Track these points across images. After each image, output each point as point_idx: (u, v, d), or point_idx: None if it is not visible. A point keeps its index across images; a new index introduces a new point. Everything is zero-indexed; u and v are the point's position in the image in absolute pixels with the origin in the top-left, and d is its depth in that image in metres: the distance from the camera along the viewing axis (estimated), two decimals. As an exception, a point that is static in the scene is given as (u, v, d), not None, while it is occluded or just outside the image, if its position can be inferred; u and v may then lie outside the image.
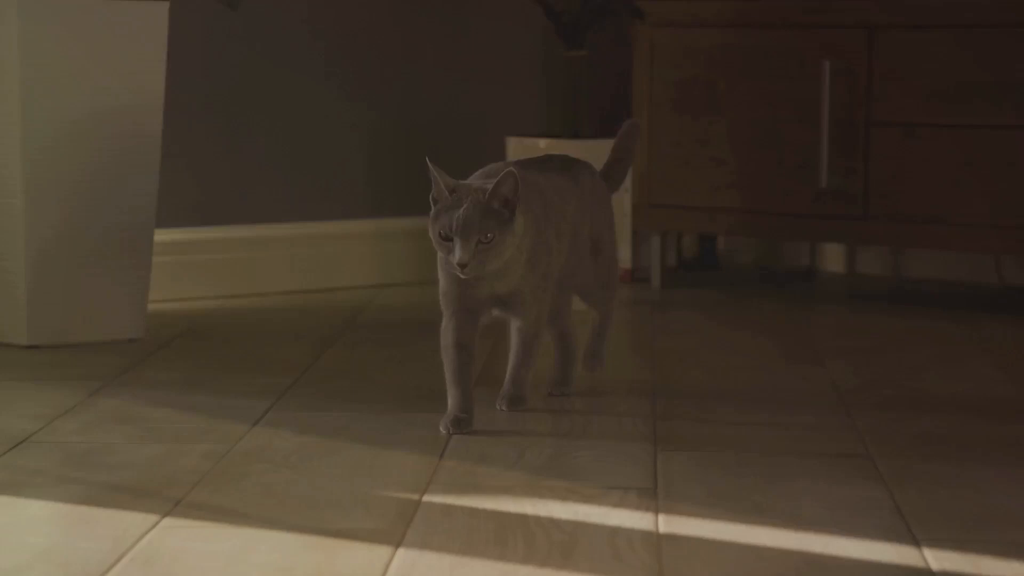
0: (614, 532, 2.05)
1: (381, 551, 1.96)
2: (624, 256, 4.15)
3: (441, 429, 2.52)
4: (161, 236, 3.72)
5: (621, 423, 2.62)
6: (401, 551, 1.97)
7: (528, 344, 2.61)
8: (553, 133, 3.93)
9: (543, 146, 3.71)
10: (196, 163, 3.80)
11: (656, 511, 2.13)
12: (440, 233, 2.44)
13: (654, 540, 2.02)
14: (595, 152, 3.72)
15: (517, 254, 2.50)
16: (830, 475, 2.33)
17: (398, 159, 4.07)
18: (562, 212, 2.64)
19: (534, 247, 2.54)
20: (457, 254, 2.42)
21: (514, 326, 2.61)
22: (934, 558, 1.96)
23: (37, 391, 2.80)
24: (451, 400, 2.54)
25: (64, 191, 3.16)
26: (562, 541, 2.01)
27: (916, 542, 2.02)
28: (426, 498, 2.19)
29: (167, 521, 2.07)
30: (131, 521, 2.06)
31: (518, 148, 3.79)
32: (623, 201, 4.01)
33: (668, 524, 2.08)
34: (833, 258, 4.37)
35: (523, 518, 2.10)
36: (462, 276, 2.45)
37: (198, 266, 3.80)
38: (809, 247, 4.39)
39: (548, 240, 2.58)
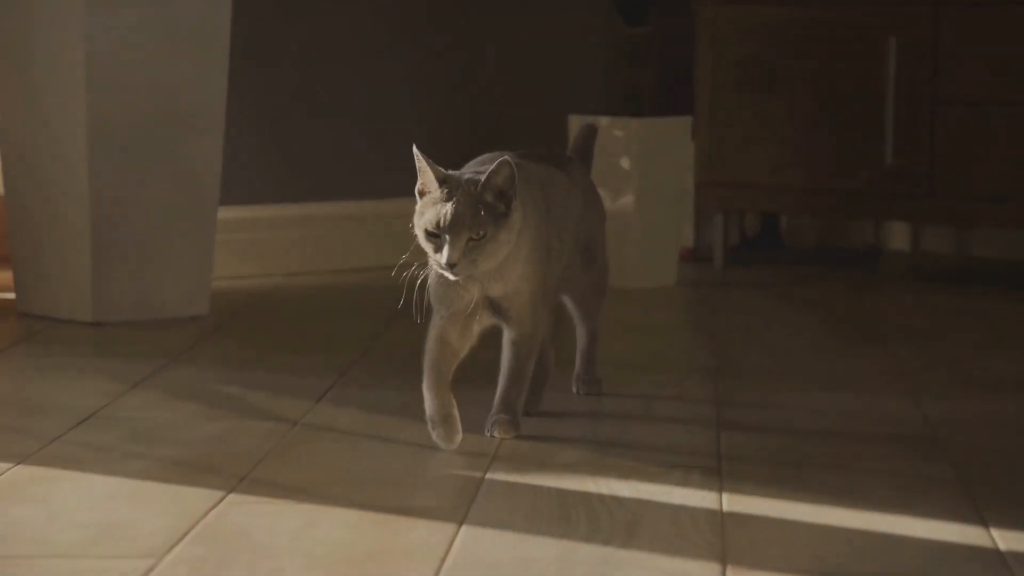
0: (677, 510, 2.05)
1: (444, 528, 1.97)
2: (686, 235, 4.14)
3: (486, 432, 2.35)
4: (225, 214, 3.74)
5: (683, 403, 2.62)
6: (464, 528, 1.97)
7: (522, 361, 2.34)
8: (614, 111, 3.92)
9: (605, 124, 3.70)
10: (260, 141, 3.82)
11: (720, 490, 2.13)
12: (427, 229, 2.20)
13: (717, 519, 2.02)
14: (657, 131, 3.71)
15: (515, 252, 2.26)
16: (895, 455, 2.32)
17: (459, 137, 4.07)
18: (564, 209, 2.41)
19: (533, 245, 2.30)
20: (445, 253, 2.18)
21: (507, 338, 2.34)
22: (1001, 538, 1.94)
23: (102, 368, 2.82)
24: (427, 404, 2.30)
25: (128, 170, 3.18)
26: (625, 519, 2.01)
27: (983, 522, 2.00)
28: (489, 476, 2.19)
29: (231, 497, 2.08)
30: (196, 497, 2.08)
31: (580, 127, 3.77)
32: (683, 180, 4.00)
33: (731, 503, 2.08)
34: (898, 236, 4.34)
35: (586, 496, 2.10)
36: (452, 277, 2.22)
37: (262, 243, 3.82)
38: (873, 225, 4.37)
39: (549, 239, 2.35)
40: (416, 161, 2.21)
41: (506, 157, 2.22)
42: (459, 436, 2.28)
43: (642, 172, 3.69)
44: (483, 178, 2.21)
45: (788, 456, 2.31)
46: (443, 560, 1.86)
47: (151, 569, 1.81)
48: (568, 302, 2.57)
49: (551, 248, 2.35)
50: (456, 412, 2.28)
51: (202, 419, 2.48)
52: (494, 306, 2.31)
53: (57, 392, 2.64)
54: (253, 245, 3.81)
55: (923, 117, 3.77)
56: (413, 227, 2.24)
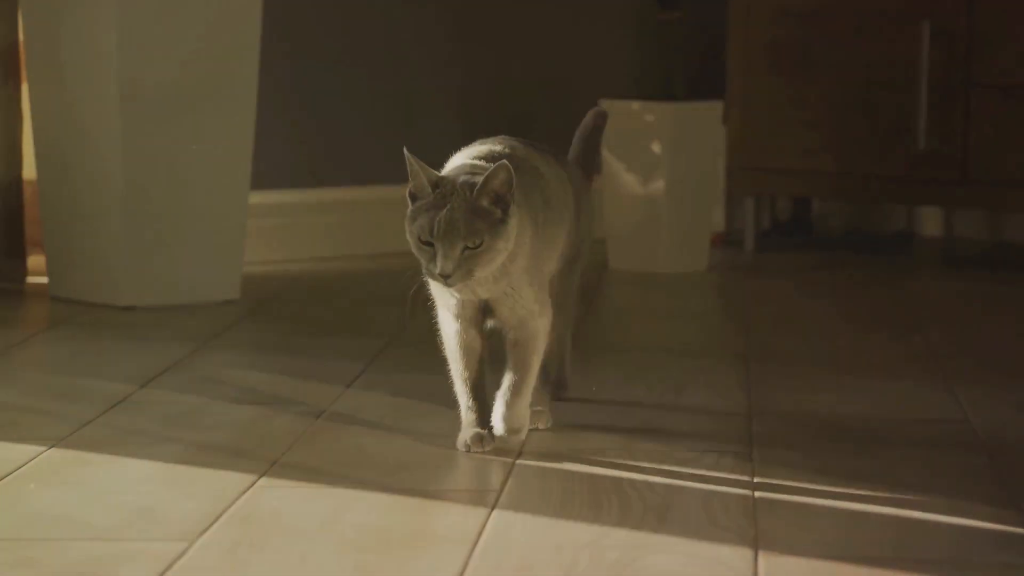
0: (709, 496, 2.05)
1: (476, 513, 1.97)
2: (716, 219, 4.13)
3: (459, 446, 2.22)
4: (257, 198, 3.75)
5: (714, 388, 2.62)
6: (496, 513, 1.98)
7: (525, 366, 2.20)
8: (646, 95, 3.92)
9: (636, 108, 3.70)
10: (290, 126, 3.82)
11: (751, 475, 2.13)
12: (419, 237, 2.08)
13: (749, 504, 2.02)
14: (688, 115, 3.71)
15: (514, 252, 2.13)
16: (928, 442, 2.32)
17: (491, 122, 4.07)
18: (563, 206, 2.27)
19: (533, 244, 2.16)
20: (439, 263, 2.07)
21: (509, 342, 2.21)
22: (1034, 525, 1.94)
23: (134, 352, 2.83)
24: (465, 411, 2.23)
25: (159, 155, 3.19)
26: (656, 504, 2.02)
27: (1017, 508, 2.00)
28: (520, 461, 2.20)
29: (263, 481, 2.09)
30: (228, 481, 2.09)
31: (611, 112, 3.77)
32: (714, 164, 3.99)
33: (763, 488, 2.08)
34: (930, 222, 4.33)
35: (617, 481, 2.11)
36: (445, 287, 2.13)
37: (293, 228, 3.83)
38: (905, 210, 4.35)
39: (550, 236, 2.22)
40: (407, 164, 2.10)
41: (504, 161, 2.08)
42: (493, 444, 2.22)
43: (673, 157, 3.68)
44: (479, 182, 2.08)
45: (820, 441, 2.31)
46: (475, 544, 1.86)
47: (184, 552, 1.82)
48: None
49: (552, 240, 2.22)
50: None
51: (234, 403, 2.49)
52: (489, 309, 2.18)
53: (89, 376, 2.65)
54: (285, 230, 3.82)
55: (956, 101, 3.76)
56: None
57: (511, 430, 2.21)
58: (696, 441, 2.29)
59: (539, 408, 2.34)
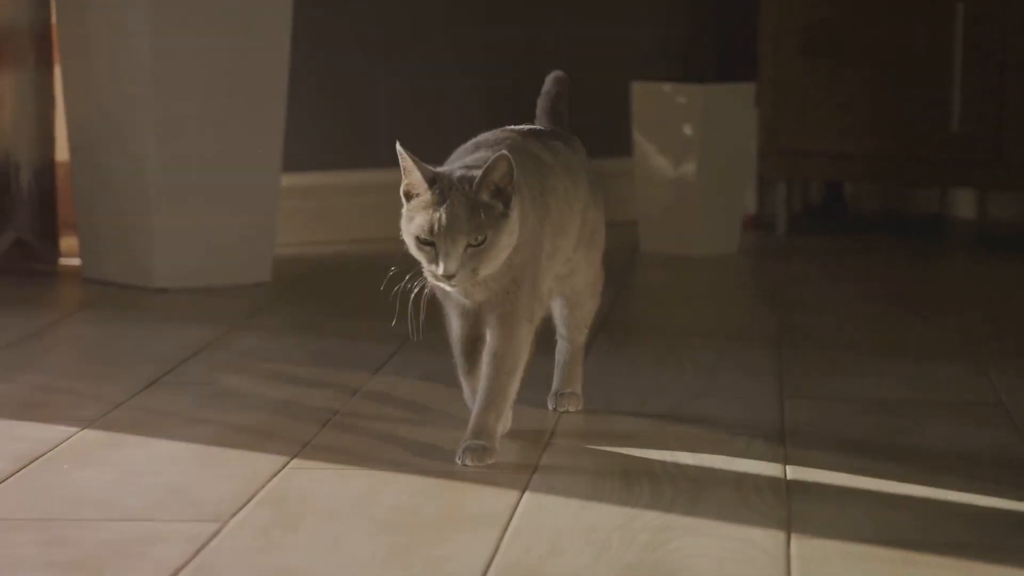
0: (741, 478, 2.05)
1: (508, 495, 1.97)
2: (748, 202, 4.12)
3: (456, 460, 2.07)
4: (289, 181, 3.76)
5: (746, 371, 2.62)
6: (527, 495, 1.98)
7: (503, 380, 2.06)
8: (677, 77, 3.91)
9: (667, 91, 3.70)
10: (322, 108, 3.83)
11: (784, 458, 2.13)
12: (418, 236, 1.98)
13: (781, 487, 2.01)
14: (720, 97, 3.70)
15: (517, 245, 2.03)
16: (962, 424, 2.31)
17: (520, 104, 4.07)
18: (568, 199, 2.15)
19: (529, 241, 2.05)
20: (441, 264, 1.96)
21: (487, 351, 2.07)
22: (1068, 508, 1.93)
23: (166, 333, 2.84)
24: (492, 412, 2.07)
25: (192, 137, 3.20)
26: (688, 486, 2.02)
27: (1049, 492, 2.00)
28: (551, 443, 2.20)
29: (295, 463, 2.09)
30: (260, 462, 2.09)
31: (643, 94, 3.77)
32: (746, 147, 3.98)
33: (796, 471, 2.08)
34: (964, 204, 4.31)
35: (648, 463, 2.11)
36: (449, 289, 2.02)
37: (325, 210, 3.83)
38: (939, 193, 4.34)
39: (545, 234, 2.09)
40: (400, 160, 1.98)
41: (503, 152, 1.97)
42: (495, 458, 2.07)
43: (705, 139, 3.68)
44: (478, 175, 1.97)
45: (852, 424, 2.30)
46: (506, 526, 1.87)
47: (216, 533, 1.83)
48: (559, 308, 2.27)
49: (547, 244, 2.09)
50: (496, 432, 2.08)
51: (265, 385, 2.50)
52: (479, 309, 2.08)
53: (122, 357, 2.66)
54: (317, 212, 3.83)
55: (990, 83, 3.74)
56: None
57: (476, 450, 2.05)
58: (728, 424, 2.29)
59: (570, 391, 2.32)
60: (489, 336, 2.07)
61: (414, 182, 1.99)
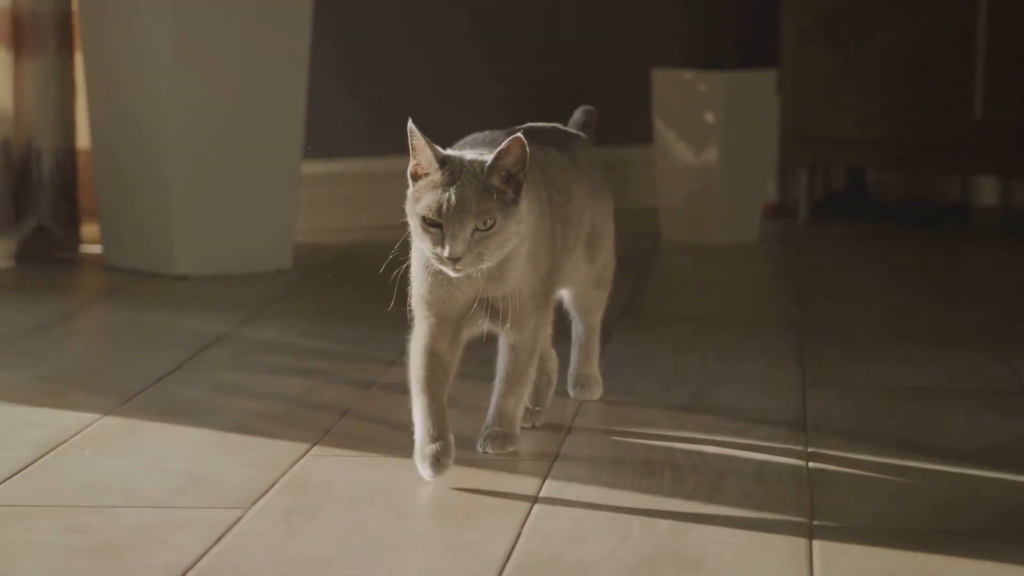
0: (762, 467, 2.05)
1: (529, 482, 1.98)
2: (770, 189, 4.12)
3: (478, 448, 2.06)
4: (309, 168, 3.76)
5: (768, 359, 2.61)
6: (549, 482, 1.98)
7: (521, 368, 2.05)
8: (698, 64, 3.90)
9: (688, 78, 3.69)
10: (343, 96, 3.83)
11: (805, 446, 2.13)
12: (425, 219, 1.92)
13: (804, 475, 2.01)
14: (741, 84, 3.69)
15: (519, 246, 1.97)
16: (984, 411, 2.31)
17: (540, 91, 4.07)
18: (567, 195, 2.12)
19: (536, 239, 2.02)
20: (448, 246, 1.90)
21: (504, 343, 2.05)
22: (1091, 497, 1.93)
23: (187, 321, 2.85)
24: (418, 428, 1.98)
25: (213, 124, 3.20)
26: (710, 474, 2.01)
27: (1072, 480, 1.99)
28: (572, 430, 2.20)
29: (316, 450, 2.10)
30: (281, 449, 2.10)
31: (664, 81, 3.77)
32: (767, 134, 3.97)
33: (818, 460, 2.07)
34: (987, 191, 4.30)
35: (670, 451, 2.11)
36: (453, 274, 1.94)
37: (347, 198, 3.84)
38: (961, 180, 4.33)
39: (553, 231, 2.06)
40: (410, 138, 1.93)
41: (519, 134, 1.92)
42: (451, 463, 1.95)
43: (726, 126, 3.67)
44: (490, 158, 1.92)
45: (874, 413, 2.30)
46: (528, 513, 1.87)
47: (238, 520, 1.83)
48: (567, 297, 2.27)
49: (555, 240, 2.06)
50: (452, 438, 1.96)
51: (286, 372, 2.50)
52: (491, 308, 2.01)
53: (143, 345, 2.67)
54: (338, 199, 3.83)
55: (1013, 69, 3.73)
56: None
57: (499, 436, 2.05)
58: (749, 412, 2.29)
59: (587, 372, 2.31)
60: (503, 331, 2.03)
61: (423, 162, 1.93)
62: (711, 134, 3.67)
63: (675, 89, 3.70)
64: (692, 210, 3.70)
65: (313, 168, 3.78)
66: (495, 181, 1.92)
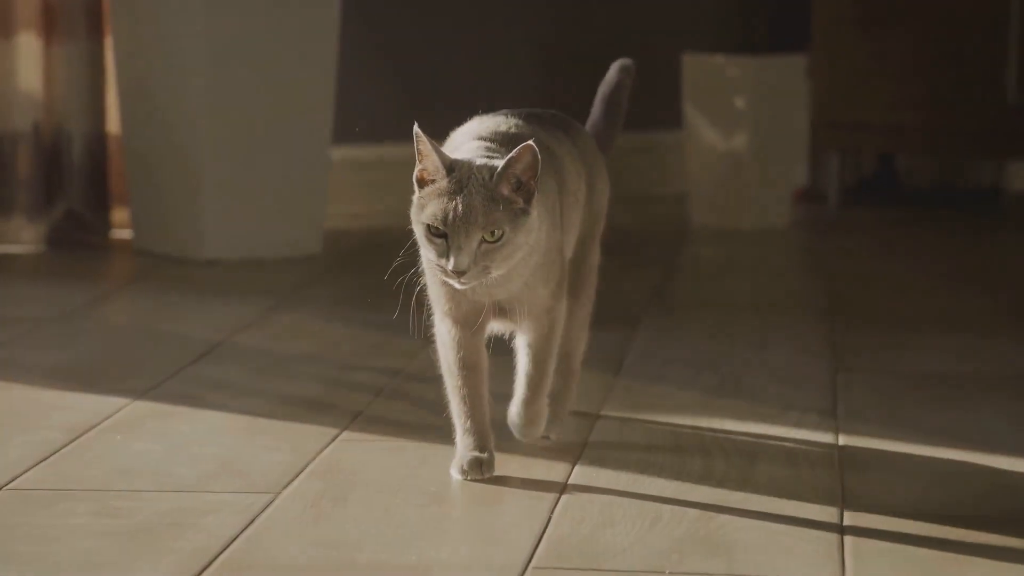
0: (793, 452, 2.04)
1: (559, 467, 1.98)
2: (800, 175, 4.10)
3: (453, 472, 1.94)
4: (340, 153, 3.76)
5: (797, 344, 2.60)
6: (579, 467, 1.98)
7: (543, 364, 1.97)
8: (728, 48, 3.89)
9: (719, 63, 3.68)
10: (373, 81, 3.83)
11: (836, 431, 2.12)
12: (430, 227, 1.83)
13: (834, 460, 2.01)
14: (771, 69, 3.68)
15: (528, 256, 1.88)
16: (1014, 397, 2.30)
17: (570, 75, 4.06)
18: (577, 189, 2.01)
19: (550, 237, 1.91)
20: (452, 259, 1.82)
21: (522, 342, 1.98)
22: (1124, 484, 1.92)
23: (217, 305, 2.85)
24: (462, 433, 1.95)
25: (242, 109, 3.21)
26: (740, 460, 2.01)
27: (1105, 468, 1.98)
28: (603, 415, 2.20)
29: (346, 435, 2.10)
30: (311, 433, 2.10)
31: (694, 66, 3.75)
32: (798, 119, 3.95)
33: (849, 445, 2.07)
34: (1019, 177, 4.28)
35: (700, 437, 2.10)
36: (458, 286, 1.86)
37: (375, 183, 3.84)
38: (993, 166, 4.30)
39: (567, 225, 1.97)
40: (416, 143, 1.84)
41: (530, 141, 1.81)
42: (492, 471, 1.93)
43: (756, 111, 3.66)
44: (500, 165, 1.82)
45: (906, 398, 2.29)
46: (557, 499, 1.87)
47: (269, 504, 1.84)
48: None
49: (569, 229, 1.98)
50: (493, 445, 1.95)
51: (316, 357, 2.50)
52: (502, 310, 1.93)
53: (173, 329, 2.67)
54: (368, 185, 3.83)
55: (1046, 55, 3.71)
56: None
57: (527, 428, 1.99)
58: (779, 398, 2.28)
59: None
60: (519, 331, 1.96)
61: (430, 168, 1.84)
62: (741, 119, 3.66)
63: (706, 74, 3.69)
64: (722, 196, 3.69)
65: (343, 153, 3.78)
66: (504, 190, 1.82)
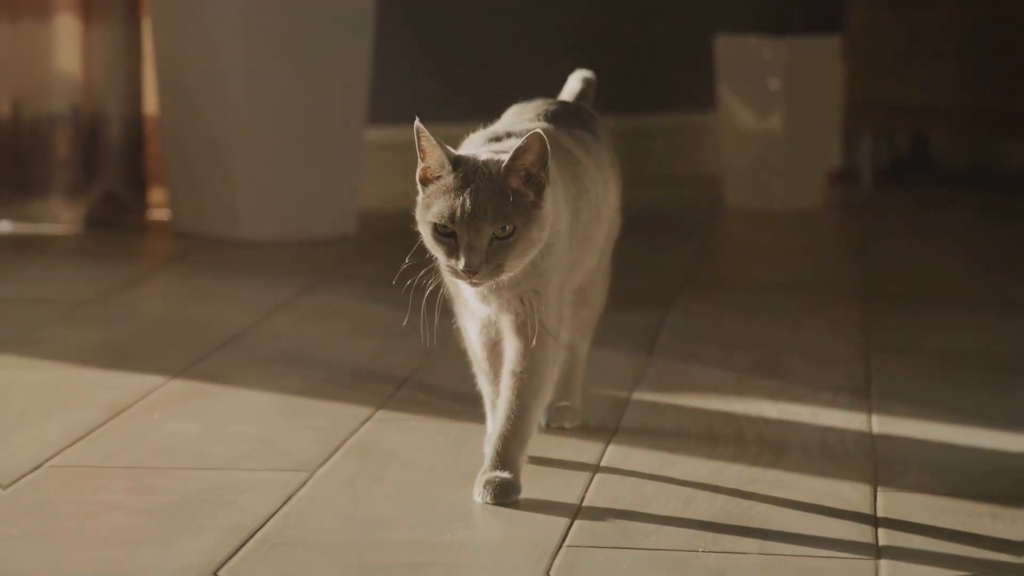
0: (825, 432, 2.04)
1: (593, 446, 1.98)
2: (834, 156, 4.09)
3: (475, 496, 1.79)
4: (374, 135, 3.76)
5: (830, 325, 2.60)
6: (612, 446, 1.98)
7: (527, 399, 1.80)
8: (762, 28, 3.87)
9: (753, 44, 3.66)
10: (409, 62, 3.83)
11: (869, 411, 2.12)
12: (437, 226, 1.74)
13: (868, 440, 2.00)
14: (805, 50, 3.66)
15: (548, 244, 1.79)
16: (1049, 379, 2.29)
17: (603, 57, 4.05)
18: (597, 203, 1.89)
19: (559, 245, 1.81)
20: (463, 257, 1.72)
21: (508, 367, 1.81)
22: None
23: (253, 286, 2.86)
24: (493, 434, 1.83)
25: (278, 91, 3.21)
26: (773, 440, 2.01)
27: None
28: (635, 396, 2.20)
29: (380, 414, 2.11)
30: (345, 413, 2.11)
31: (728, 47, 3.74)
32: (831, 100, 3.94)
33: (882, 424, 2.06)
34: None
35: (732, 417, 2.10)
36: (470, 287, 1.78)
37: (409, 164, 3.83)
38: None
39: (573, 241, 1.84)
40: (417, 139, 1.75)
41: (538, 131, 1.72)
42: (518, 494, 1.80)
43: (790, 92, 3.65)
44: (507, 158, 1.73)
45: (939, 378, 2.28)
46: (590, 480, 1.87)
47: (304, 483, 1.85)
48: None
49: (588, 236, 1.86)
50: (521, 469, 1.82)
51: (350, 337, 2.51)
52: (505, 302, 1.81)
53: (209, 310, 2.68)
54: (402, 165, 3.83)
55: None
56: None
57: (500, 486, 1.77)
58: (812, 376, 2.28)
59: (566, 404, 2.03)
60: (507, 352, 1.81)
61: (433, 164, 1.75)
62: (775, 100, 3.65)
63: (739, 55, 3.68)
64: (756, 177, 3.68)
65: (379, 135, 3.78)
66: (513, 183, 1.73)
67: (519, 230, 1.72)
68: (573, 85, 2.04)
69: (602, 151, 1.95)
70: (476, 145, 1.84)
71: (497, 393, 1.84)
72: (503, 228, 1.72)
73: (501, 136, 1.84)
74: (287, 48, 3.21)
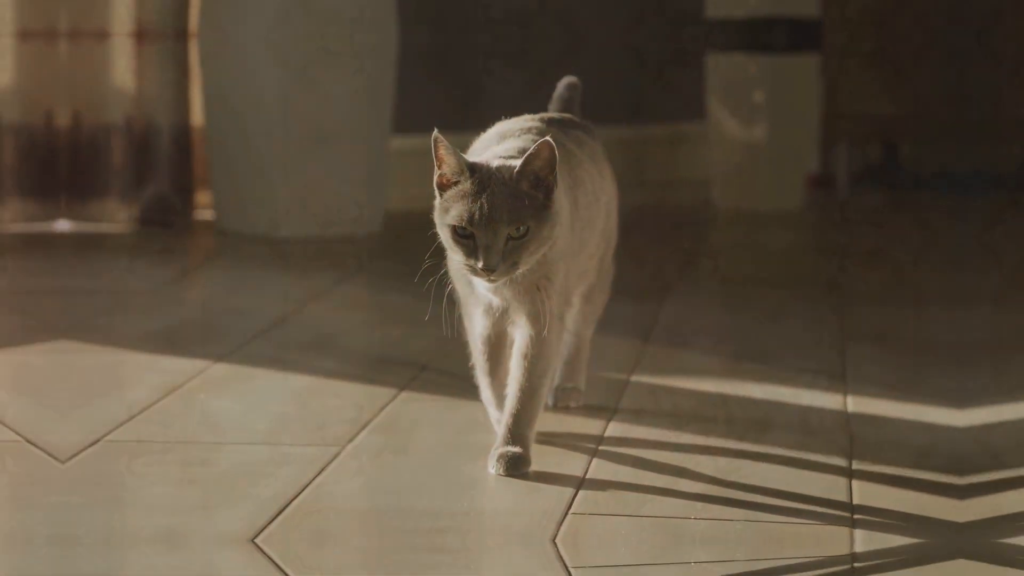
0: (806, 411, 2.04)
1: (595, 424, 1.98)
2: (812, 162, 4.08)
3: (490, 468, 1.78)
4: (400, 143, 3.76)
5: (810, 316, 2.59)
6: (612, 424, 1.98)
7: (535, 380, 1.79)
8: (746, 46, 3.86)
9: (739, 61, 3.65)
10: (433, 72, 3.82)
11: (844, 393, 2.11)
12: (456, 229, 1.73)
13: (843, 419, 2.00)
14: (788, 68, 3.65)
15: (554, 239, 1.77)
16: (1015, 362, 2.28)
17: (621, 69, 4.05)
18: (595, 192, 1.88)
19: (562, 236, 1.79)
20: (482, 256, 1.71)
21: (518, 350, 1.80)
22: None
23: (290, 279, 2.86)
24: (495, 424, 1.84)
25: (310, 103, 3.21)
26: (758, 418, 2.01)
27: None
28: (634, 378, 2.19)
29: (405, 394, 2.10)
30: (373, 393, 2.10)
31: (717, 64, 3.73)
32: (811, 112, 3.93)
33: (857, 404, 2.06)
34: (1010, 161, 4.24)
35: (722, 398, 2.10)
36: (488, 284, 1.75)
37: (431, 169, 3.82)
38: (986, 152, 4.26)
39: (575, 229, 1.83)
40: (434, 147, 1.74)
41: (547, 138, 1.72)
42: (529, 466, 1.79)
43: (773, 105, 3.64)
44: (519, 163, 1.72)
45: (910, 363, 2.28)
46: (593, 453, 1.87)
47: (335, 456, 1.84)
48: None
49: (576, 243, 1.84)
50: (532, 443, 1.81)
51: (377, 325, 2.51)
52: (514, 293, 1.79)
53: (250, 300, 2.68)
54: (425, 170, 3.82)
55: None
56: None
57: (512, 460, 1.77)
58: (793, 362, 2.28)
59: (572, 385, 2.02)
60: (518, 337, 1.80)
61: (450, 171, 1.74)
62: (760, 112, 3.65)
63: (727, 71, 3.68)
64: (742, 181, 3.68)
65: (403, 143, 3.78)
66: (525, 186, 1.72)
67: (532, 230, 1.72)
68: (560, 91, 2.03)
69: (596, 146, 1.95)
70: (480, 152, 1.83)
71: (491, 385, 1.85)
72: (518, 229, 1.71)
73: (505, 135, 1.84)
74: (318, 65, 3.21)
